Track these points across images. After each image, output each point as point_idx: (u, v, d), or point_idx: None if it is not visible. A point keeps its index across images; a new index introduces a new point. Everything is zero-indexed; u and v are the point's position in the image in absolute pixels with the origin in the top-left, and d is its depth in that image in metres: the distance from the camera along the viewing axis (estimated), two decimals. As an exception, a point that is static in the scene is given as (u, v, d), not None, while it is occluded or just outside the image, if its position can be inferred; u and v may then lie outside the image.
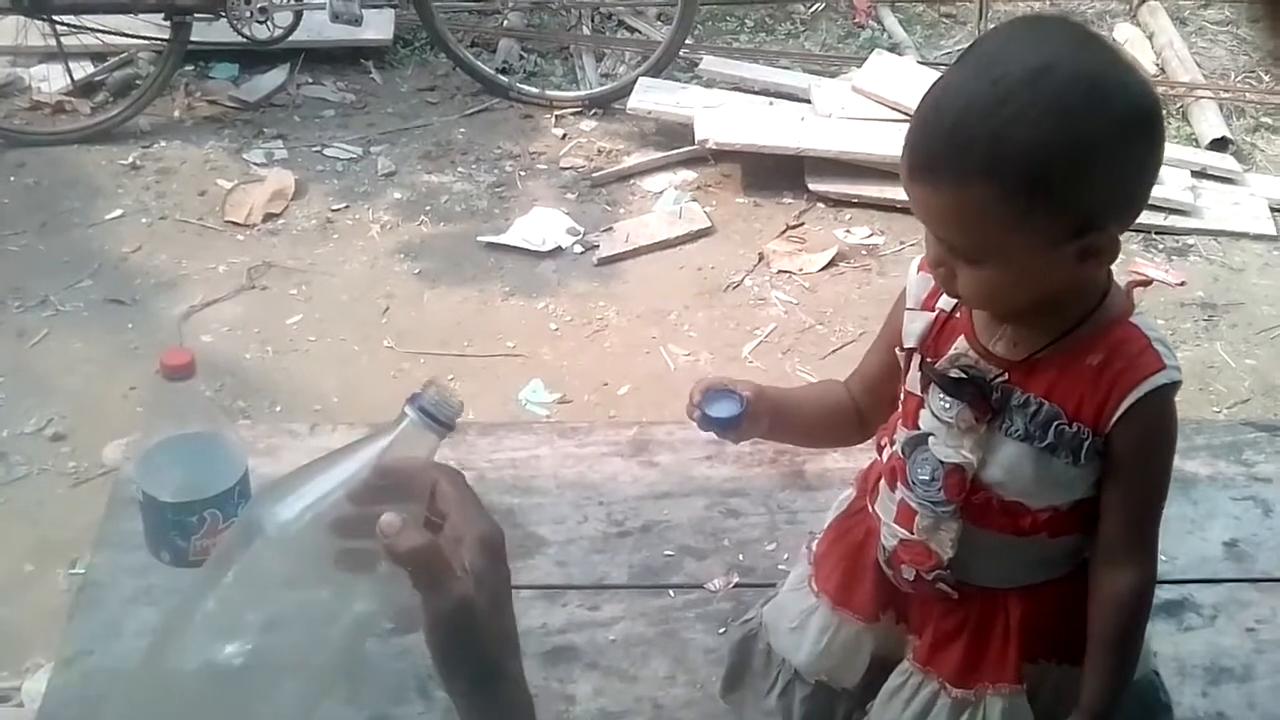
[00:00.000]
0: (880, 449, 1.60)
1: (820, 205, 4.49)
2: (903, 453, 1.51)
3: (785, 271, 4.18)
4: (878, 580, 1.59)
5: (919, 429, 1.50)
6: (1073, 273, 1.37)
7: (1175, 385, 1.41)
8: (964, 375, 1.45)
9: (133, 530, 1.91)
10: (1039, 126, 1.26)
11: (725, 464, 2.15)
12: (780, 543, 2.02)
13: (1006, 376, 1.43)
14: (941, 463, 1.47)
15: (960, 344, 1.47)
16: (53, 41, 4.67)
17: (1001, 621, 1.53)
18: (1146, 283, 1.52)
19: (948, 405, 1.46)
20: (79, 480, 3.29)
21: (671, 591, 1.96)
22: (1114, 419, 1.40)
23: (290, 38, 4.85)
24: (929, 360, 1.49)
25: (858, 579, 1.61)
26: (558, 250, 4.24)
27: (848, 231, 4.38)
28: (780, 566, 1.96)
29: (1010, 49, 1.33)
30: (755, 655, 1.71)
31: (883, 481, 1.57)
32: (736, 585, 1.96)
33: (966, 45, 5.41)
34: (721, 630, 1.89)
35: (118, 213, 4.34)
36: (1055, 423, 1.41)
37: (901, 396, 1.53)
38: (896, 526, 1.53)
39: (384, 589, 1.05)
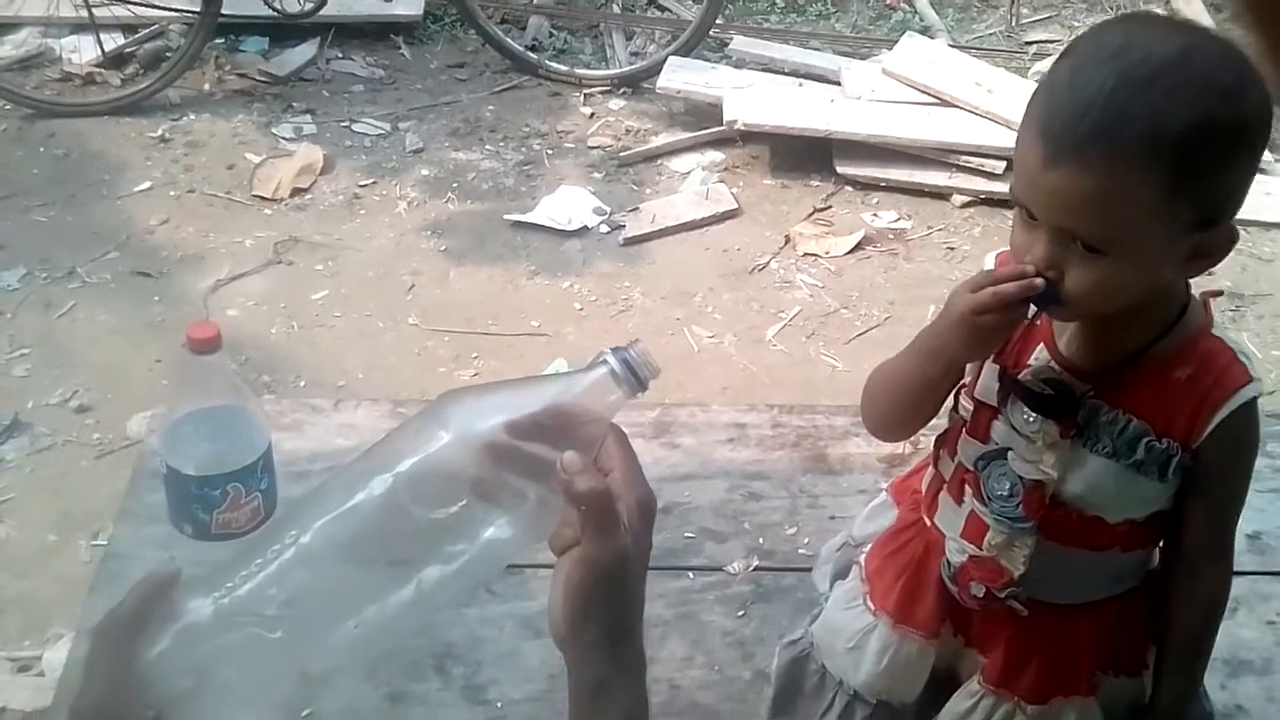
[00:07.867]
0: (936, 461, 1.55)
1: (848, 188, 4.47)
2: (975, 467, 1.46)
3: (811, 254, 4.17)
4: (940, 596, 1.55)
5: (992, 441, 1.45)
6: (1180, 271, 1.33)
7: (1260, 397, 1.39)
8: (1051, 390, 1.40)
9: (156, 503, 1.92)
10: (1193, 105, 1.22)
11: (747, 447, 2.15)
12: (801, 527, 2.01)
13: (1093, 391, 1.39)
14: (1021, 479, 1.42)
15: (1041, 354, 1.42)
16: (84, 12, 4.69)
17: (1072, 638, 1.50)
18: (1219, 294, 1.49)
19: (1030, 419, 1.40)
20: (103, 452, 3.30)
21: (691, 573, 1.96)
22: (1205, 433, 1.38)
23: (320, 12, 4.85)
24: (1010, 371, 1.43)
25: (919, 596, 1.56)
26: (584, 230, 4.23)
27: (875, 215, 4.36)
28: (800, 550, 1.96)
29: (1138, 35, 1.27)
30: (807, 678, 1.67)
31: (944, 494, 1.52)
32: (756, 569, 1.96)
33: (1002, 29, 5.39)
34: (740, 613, 1.89)
35: (146, 185, 4.35)
36: (1144, 439, 1.37)
37: (969, 406, 1.47)
38: (964, 542, 1.49)
39: (523, 524, 1.04)
